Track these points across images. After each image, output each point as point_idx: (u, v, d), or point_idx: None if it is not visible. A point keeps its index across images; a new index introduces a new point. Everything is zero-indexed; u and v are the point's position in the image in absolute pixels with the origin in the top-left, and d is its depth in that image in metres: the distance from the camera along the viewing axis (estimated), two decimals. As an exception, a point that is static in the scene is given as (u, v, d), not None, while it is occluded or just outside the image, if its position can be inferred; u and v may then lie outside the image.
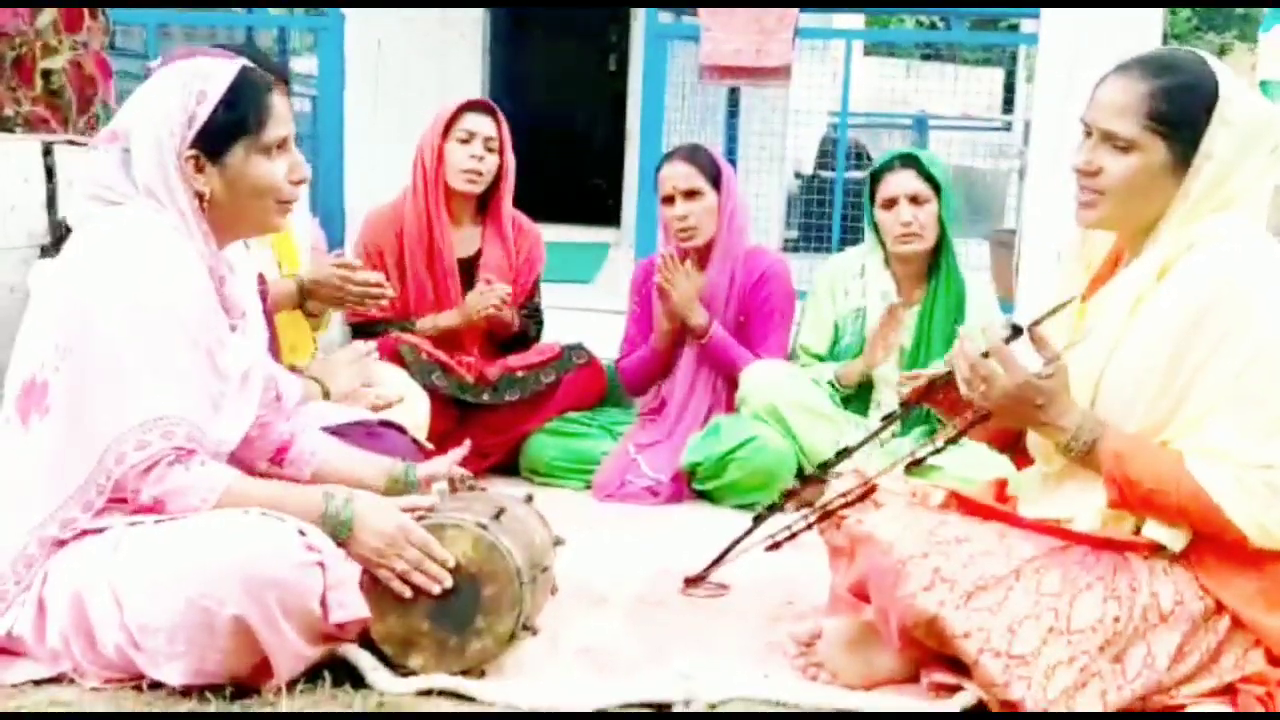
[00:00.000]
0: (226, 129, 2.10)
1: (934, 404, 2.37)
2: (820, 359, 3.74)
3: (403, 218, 3.80)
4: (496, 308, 3.72)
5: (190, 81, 2.10)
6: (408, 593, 2.06)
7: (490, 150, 3.76)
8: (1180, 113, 2.03)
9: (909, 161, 3.61)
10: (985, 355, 2.09)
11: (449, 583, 2.07)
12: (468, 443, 2.59)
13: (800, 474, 2.72)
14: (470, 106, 3.79)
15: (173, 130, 2.08)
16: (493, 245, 3.87)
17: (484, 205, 3.89)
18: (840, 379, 3.64)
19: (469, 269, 3.84)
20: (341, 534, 2.05)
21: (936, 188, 3.57)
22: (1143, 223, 2.11)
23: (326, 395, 3.08)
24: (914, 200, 3.56)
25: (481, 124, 3.75)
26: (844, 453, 2.49)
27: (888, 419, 2.48)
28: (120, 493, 2.01)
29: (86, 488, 2.00)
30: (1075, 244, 2.27)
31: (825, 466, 2.54)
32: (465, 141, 3.74)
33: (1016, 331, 2.11)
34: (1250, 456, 1.95)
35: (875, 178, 3.64)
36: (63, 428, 2.01)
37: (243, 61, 2.16)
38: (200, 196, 2.11)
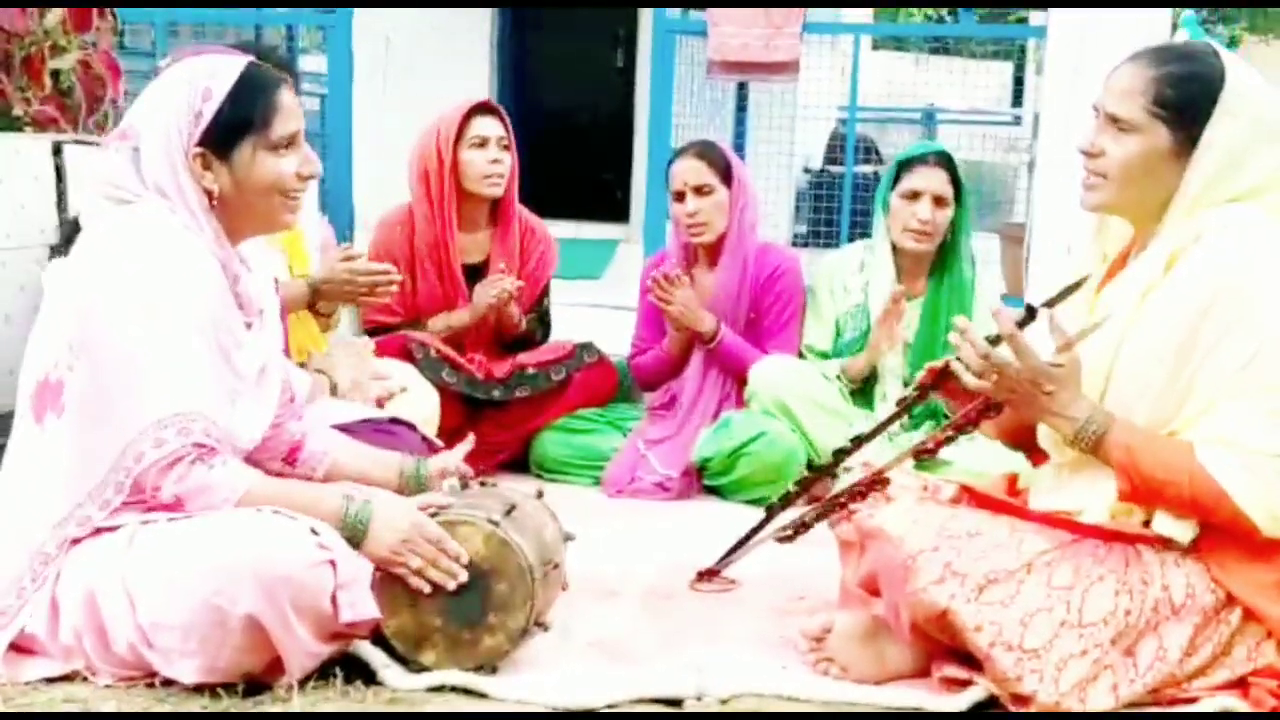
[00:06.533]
0: (233, 126, 2.09)
1: (946, 392, 2.36)
2: (825, 357, 3.72)
3: (414, 225, 3.75)
4: (503, 299, 3.68)
5: (197, 79, 2.09)
6: (426, 588, 2.07)
7: (504, 149, 3.74)
8: (1183, 99, 2.03)
9: (943, 160, 3.58)
10: (995, 342, 2.08)
11: (464, 578, 2.08)
12: (471, 436, 2.58)
13: (811, 465, 2.71)
14: (477, 110, 3.75)
15: (180, 128, 2.07)
16: (502, 250, 3.83)
17: (495, 205, 3.85)
18: (847, 371, 3.63)
19: (479, 275, 3.79)
20: (359, 535, 2.05)
21: (958, 193, 3.57)
22: (1148, 210, 2.11)
23: (334, 388, 3.10)
24: (937, 201, 3.55)
25: (492, 126, 3.73)
26: (858, 440, 2.48)
27: (902, 403, 2.45)
28: (138, 492, 2.01)
29: (104, 486, 1.99)
30: (1091, 231, 2.26)
31: (840, 454, 2.53)
32: (480, 146, 3.71)
33: (1031, 313, 2.10)
34: (1259, 445, 1.94)
35: (903, 166, 3.60)
36: (79, 426, 2.01)
37: (249, 58, 2.15)
38: (209, 194, 2.10)
